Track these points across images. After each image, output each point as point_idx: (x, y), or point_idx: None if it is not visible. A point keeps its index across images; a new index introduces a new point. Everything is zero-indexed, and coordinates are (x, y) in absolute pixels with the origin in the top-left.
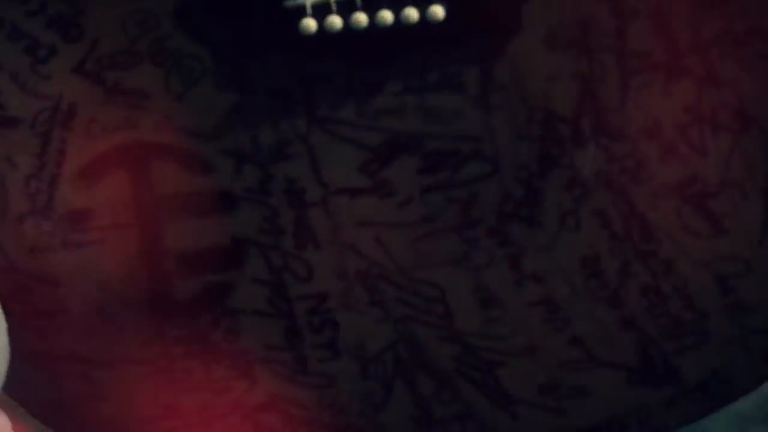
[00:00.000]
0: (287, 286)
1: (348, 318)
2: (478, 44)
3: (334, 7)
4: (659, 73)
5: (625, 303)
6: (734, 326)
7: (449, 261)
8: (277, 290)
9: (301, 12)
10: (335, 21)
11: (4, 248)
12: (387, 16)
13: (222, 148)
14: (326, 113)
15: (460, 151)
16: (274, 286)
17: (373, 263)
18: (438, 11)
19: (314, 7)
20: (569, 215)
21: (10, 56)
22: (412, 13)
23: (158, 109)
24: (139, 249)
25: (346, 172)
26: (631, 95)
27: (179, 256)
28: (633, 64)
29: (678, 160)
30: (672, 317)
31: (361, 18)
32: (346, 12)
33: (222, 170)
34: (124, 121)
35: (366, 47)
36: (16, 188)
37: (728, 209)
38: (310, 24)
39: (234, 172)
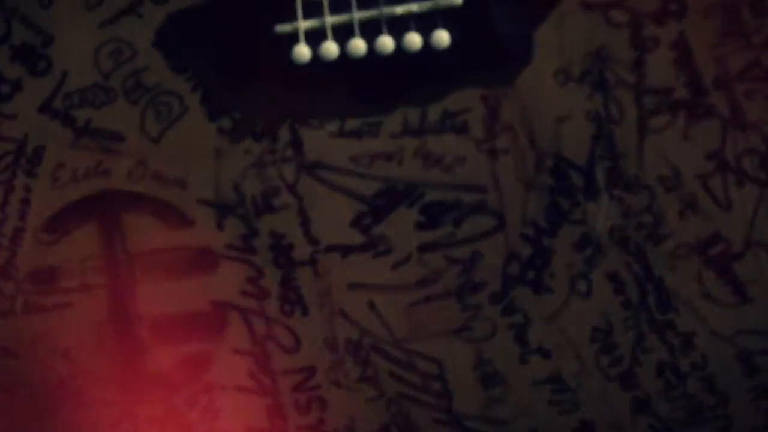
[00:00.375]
0: (271, 357)
1: (337, 396)
2: (485, 77)
3: (329, 32)
4: (680, 112)
5: (639, 383)
6: (760, 413)
7: (449, 331)
8: (260, 363)
9: (293, 39)
10: (331, 48)
11: None
12: (387, 42)
13: (202, 198)
14: (317, 158)
15: (463, 202)
16: (256, 357)
17: (365, 332)
18: (443, 37)
19: (308, 32)
20: (580, 279)
21: None
22: (414, 40)
23: (132, 153)
24: (110, 314)
25: (338, 226)
26: (650, 139)
27: (153, 322)
28: (652, 101)
29: (699, 215)
30: (690, 401)
31: (359, 45)
32: (342, 38)
33: (201, 224)
34: (95, 166)
35: (363, 81)
36: None
37: (754, 274)
38: (303, 51)
39: (215, 226)
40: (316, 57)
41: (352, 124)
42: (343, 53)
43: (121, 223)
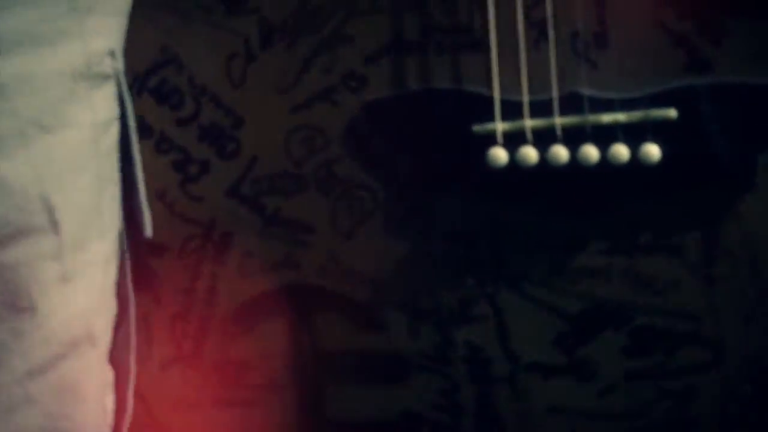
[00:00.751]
0: None
1: None
2: (701, 199)
3: (529, 135)
4: None
5: None
6: None
7: None
8: None
9: (491, 141)
10: (530, 153)
11: (147, 399)
12: (591, 152)
13: (395, 302)
14: (517, 270)
15: (676, 330)
16: None
17: None
18: (653, 151)
19: (506, 134)
20: None
21: (158, 171)
22: (621, 152)
23: (323, 248)
24: (297, 416)
25: (539, 344)
26: None
27: (341, 429)
28: None
29: None
30: None
31: (561, 152)
32: (542, 144)
33: (394, 329)
34: (284, 258)
35: (565, 191)
36: (160, 329)
37: None
38: (499, 155)
39: (408, 333)
40: (512, 161)
41: (555, 236)
42: (543, 160)
43: (313, 322)
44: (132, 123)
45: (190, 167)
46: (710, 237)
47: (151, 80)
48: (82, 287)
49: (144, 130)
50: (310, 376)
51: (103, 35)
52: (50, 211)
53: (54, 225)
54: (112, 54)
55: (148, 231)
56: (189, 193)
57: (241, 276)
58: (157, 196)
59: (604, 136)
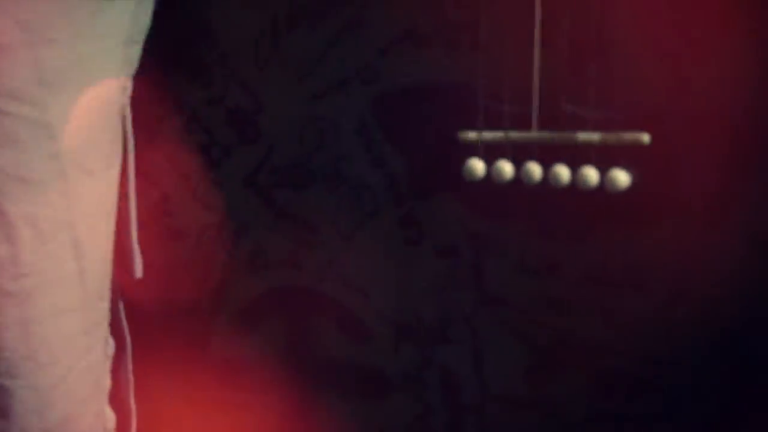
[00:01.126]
0: None
1: None
2: (669, 233)
3: (509, 149)
4: None
5: None
6: None
7: None
8: None
9: (473, 151)
10: (505, 168)
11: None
12: (562, 173)
13: (383, 315)
14: (496, 293)
15: (641, 377)
16: None
17: None
18: (620, 178)
19: (488, 146)
20: None
21: (183, 153)
22: (590, 175)
23: (324, 249)
24: (283, 422)
25: (509, 374)
26: None
27: None
28: None
29: None
30: None
31: (535, 170)
32: (520, 160)
33: (379, 343)
34: (288, 257)
35: (544, 211)
36: (172, 323)
37: None
38: (476, 166)
39: (391, 349)
40: (489, 175)
41: (532, 260)
42: (518, 176)
43: (306, 326)
44: (132, 160)
45: (213, 151)
46: (674, 275)
47: (186, 55)
48: (97, 338)
49: (177, 107)
50: (301, 382)
51: (133, 67)
52: (80, 259)
53: (82, 273)
54: (124, 89)
55: (138, 273)
56: (211, 179)
57: (250, 273)
58: (183, 179)
59: (579, 156)
